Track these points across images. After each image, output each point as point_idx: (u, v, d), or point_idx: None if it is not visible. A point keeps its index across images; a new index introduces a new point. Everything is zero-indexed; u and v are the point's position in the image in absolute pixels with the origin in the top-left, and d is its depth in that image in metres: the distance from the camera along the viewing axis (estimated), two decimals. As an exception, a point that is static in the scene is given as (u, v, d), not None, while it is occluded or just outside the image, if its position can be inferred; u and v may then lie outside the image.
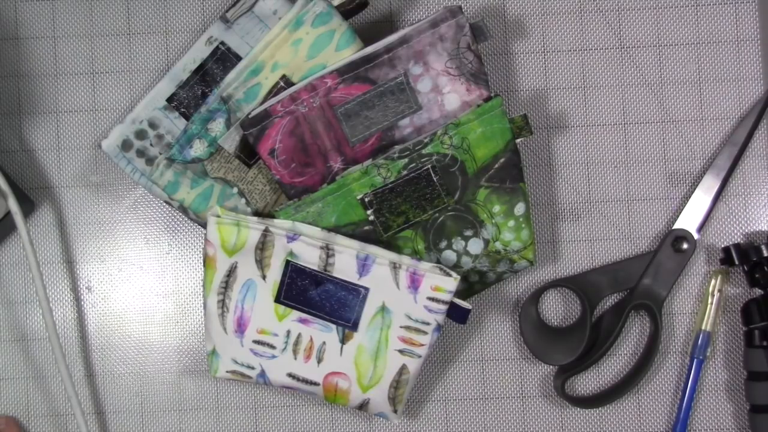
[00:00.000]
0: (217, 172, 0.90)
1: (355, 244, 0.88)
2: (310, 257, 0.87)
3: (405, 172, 0.88)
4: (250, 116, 0.87)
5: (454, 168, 0.89)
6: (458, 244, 0.91)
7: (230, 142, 0.89)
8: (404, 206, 0.89)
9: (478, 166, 0.89)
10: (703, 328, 0.94)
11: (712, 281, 0.94)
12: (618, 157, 0.96)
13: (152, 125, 0.91)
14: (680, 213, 0.94)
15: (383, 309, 0.88)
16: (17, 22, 0.97)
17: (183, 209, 0.91)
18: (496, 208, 0.90)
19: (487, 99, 0.89)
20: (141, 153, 0.91)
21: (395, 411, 0.90)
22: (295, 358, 0.89)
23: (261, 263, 0.88)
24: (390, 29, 0.96)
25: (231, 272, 0.89)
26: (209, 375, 0.96)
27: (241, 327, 0.89)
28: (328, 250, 0.87)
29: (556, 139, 0.96)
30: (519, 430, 0.96)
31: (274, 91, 0.89)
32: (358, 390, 0.89)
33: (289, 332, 0.89)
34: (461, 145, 0.88)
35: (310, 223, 0.89)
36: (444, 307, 0.87)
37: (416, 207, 0.89)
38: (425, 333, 0.88)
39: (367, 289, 0.88)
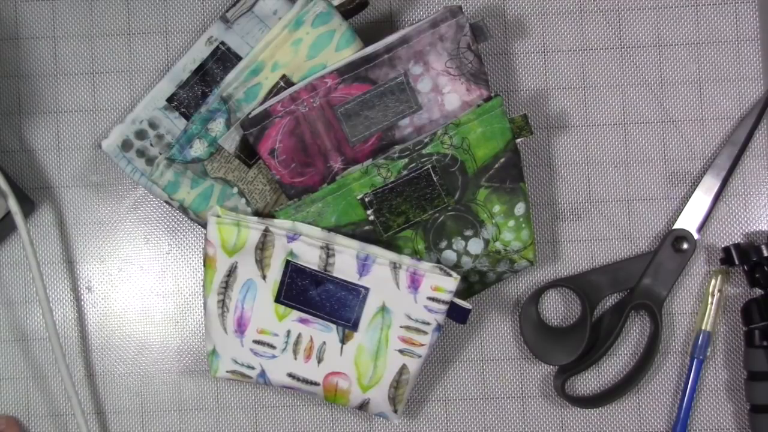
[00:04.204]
0: (217, 172, 0.90)
1: (355, 244, 0.88)
2: (310, 257, 0.87)
3: (405, 172, 0.88)
4: (250, 116, 0.87)
5: (454, 168, 0.89)
6: (458, 244, 0.91)
7: (230, 142, 0.89)
8: (404, 206, 0.89)
9: (478, 166, 0.89)
10: (703, 328, 0.94)
11: (712, 281, 0.94)
12: (618, 157, 0.96)
13: (152, 125, 0.91)
14: (680, 213, 0.94)
15: (383, 309, 0.88)
16: (17, 22, 0.97)
17: (183, 209, 0.91)
18: (496, 208, 0.90)
19: (487, 99, 0.89)
20: (141, 153, 0.91)
21: (395, 411, 0.90)
22: (295, 358, 0.89)
23: (261, 263, 0.88)
24: (390, 29, 0.96)
25: (231, 272, 0.89)
26: (209, 375, 0.96)
27: (241, 327, 0.89)
28: (328, 250, 0.87)
29: (556, 139, 0.96)
30: (519, 430, 0.96)
31: (274, 91, 0.89)
32: (358, 390, 0.89)
33: (289, 332, 0.89)
34: (461, 145, 0.88)
35: (310, 223, 0.89)
36: (444, 307, 0.87)
37: (416, 207, 0.89)
38: (425, 333, 0.88)
39: (367, 289, 0.88)
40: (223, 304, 0.89)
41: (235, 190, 0.91)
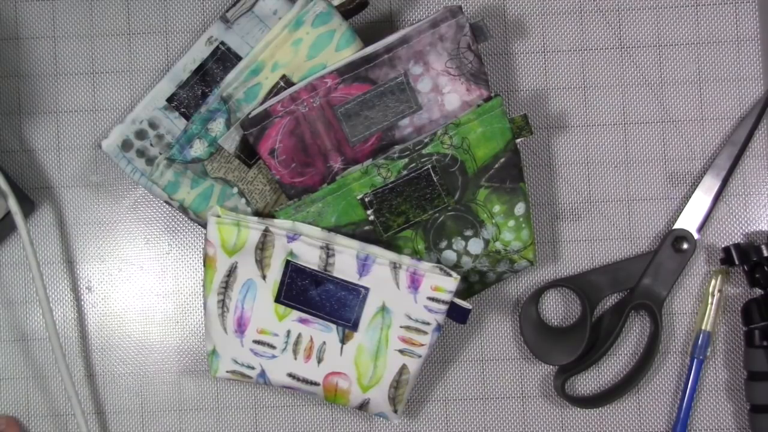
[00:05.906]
0: (217, 172, 0.90)
1: (355, 244, 0.88)
2: (310, 257, 0.87)
3: (405, 172, 0.88)
4: (250, 116, 0.88)
5: (454, 168, 0.89)
6: (458, 244, 0.91)
7: (230, 142, 0.89)
8: (404, 206, 0.89)
9: (478, 166, 0.89)
10: (703, 328, 0.94)
11: (712, 281, 0.94)
12: (618, 157, 0.96)
13: (152, 125, 0.91)
14: (680, 213, 0.94)
15: (383, 309, 0.88)
16: (17, 22, 0.97)
17: (183, 209, 0.91)
18: (496, 208, 0.90)
19: (487, 99, 0.89)
20: (141, 153, 0.91)
21: (395, 411, 0.90)
22: (295, 358, 0.89)
23: (261, 263, 0.88)
24: (390, 29, 0.96)
25: (231, 272, 0.89)
26: (209, 375, 0.96)
27: (241, 327, 0.89)
28: (328, 250, 0.87)
29: (556, 139, 0.96)
30: (519, 430, 0.96)
31: (274, 91, 0.89)
32: (358, 390, 0.89)
33: (289, 332, 0.89)
34: (461, 145, 0.88)
35: (310, 223, 0.89)
36: (444, 307, 0.87)
37: (416, 207, 0.89)
38: (425, 333, 0.88)
39: (367, 289, 0.88)
40: (223, 304, 0.89)
41: (235, 190, 0.91)
